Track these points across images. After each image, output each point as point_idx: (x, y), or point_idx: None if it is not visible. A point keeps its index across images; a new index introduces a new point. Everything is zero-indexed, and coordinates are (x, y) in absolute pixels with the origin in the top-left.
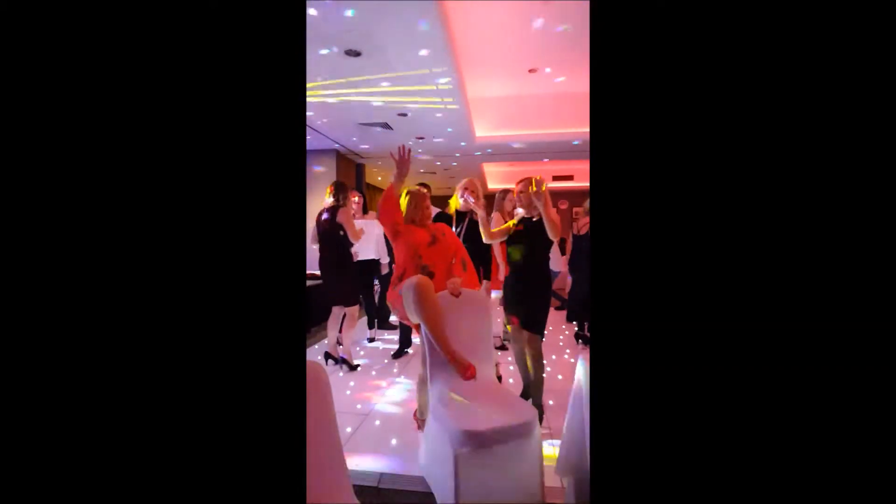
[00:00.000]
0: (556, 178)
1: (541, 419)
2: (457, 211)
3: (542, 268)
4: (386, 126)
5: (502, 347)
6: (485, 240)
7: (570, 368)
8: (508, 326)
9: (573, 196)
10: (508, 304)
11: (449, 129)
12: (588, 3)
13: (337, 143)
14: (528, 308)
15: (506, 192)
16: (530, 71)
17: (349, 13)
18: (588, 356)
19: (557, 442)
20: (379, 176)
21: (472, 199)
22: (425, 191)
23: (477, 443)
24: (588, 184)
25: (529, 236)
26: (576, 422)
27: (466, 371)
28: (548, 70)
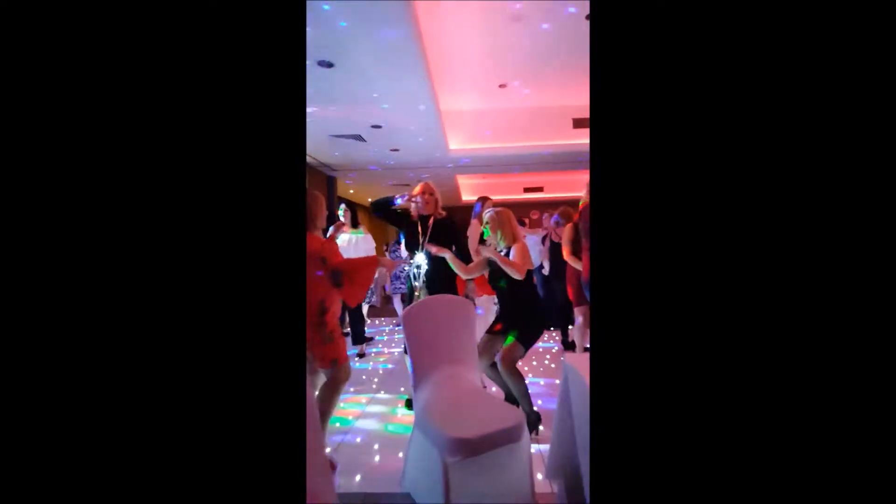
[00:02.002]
0: (527, 190)
1: (538, 424)
2: (420, 215)
3: (527, 292)
4: (359, 138)
5: None
6: (463, 277)
7: (552, 373)
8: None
9: (544, 207)
10: (502, 318)
11: (421, 139)
12: (551, 24)
13: (308, 155)
14: (519, 326)
15: (484, 199)
16: (501, 86)
17: (323, 24)
18: (571, 360)
19: (547, 446)
20: (351, 189)
21: (418, 201)
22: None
23: (467, 450)
24: (559, 194)
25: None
26: (564, 425)
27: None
28: (518, 84)
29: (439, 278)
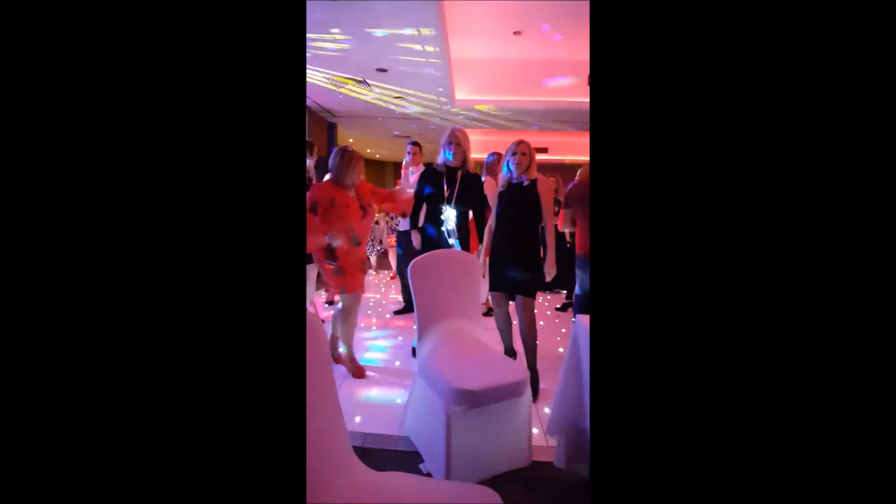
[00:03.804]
0: None
1: (537, 384)
2: (447, 167)
3: (535, 232)
4: (363, 82)
5: (486, 314)
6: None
7: (546, 336)
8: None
9: (548, 169)
10: (497, 267)
11: (428, 86)
12: None
13: (308, 98)
14: (523, 272)
15: (499, 156)
16: (516, 33)
17: None
18: (583, 321)
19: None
20: (351, 138)
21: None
22: (357, 152)
23: (471, 402)
24: (563, 157)
25: (521, 201)
26: (569, 384)
27: (358, 372)
28: (533, 34)
29: (467, 233)
